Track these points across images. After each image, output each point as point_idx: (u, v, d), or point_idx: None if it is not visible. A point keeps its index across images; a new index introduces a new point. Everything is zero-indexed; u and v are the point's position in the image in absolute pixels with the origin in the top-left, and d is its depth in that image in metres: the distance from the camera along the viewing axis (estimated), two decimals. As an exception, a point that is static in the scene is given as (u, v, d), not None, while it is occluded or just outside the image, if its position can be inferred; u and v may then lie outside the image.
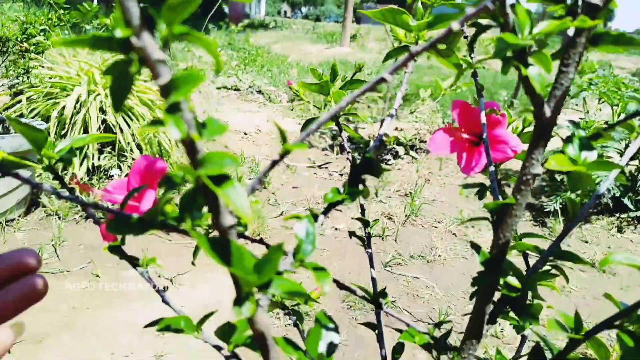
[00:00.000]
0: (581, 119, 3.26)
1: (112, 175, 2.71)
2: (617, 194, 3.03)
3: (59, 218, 2.36)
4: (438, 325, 0.65)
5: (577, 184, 0.51)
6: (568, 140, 0.51)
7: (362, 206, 0.80)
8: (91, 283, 1.86)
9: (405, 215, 2.81)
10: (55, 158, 0.50)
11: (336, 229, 2.61)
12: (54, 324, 1.61)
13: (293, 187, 3.15)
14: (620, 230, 2.94)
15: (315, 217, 0.51)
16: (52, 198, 2.48)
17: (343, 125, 0.73)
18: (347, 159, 0.68)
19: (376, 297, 0.65)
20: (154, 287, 0.58)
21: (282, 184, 3.18)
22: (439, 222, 2.78)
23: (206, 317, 0.55)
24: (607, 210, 3.10)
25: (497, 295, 0.57)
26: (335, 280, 0.64)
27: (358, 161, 0.52)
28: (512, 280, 0.53)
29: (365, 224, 0.78)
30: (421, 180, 3.40)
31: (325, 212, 0.52)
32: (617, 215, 3.04)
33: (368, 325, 0.76)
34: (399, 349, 0.71)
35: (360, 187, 0.51)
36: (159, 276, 1.98)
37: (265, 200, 2.87)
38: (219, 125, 0.34)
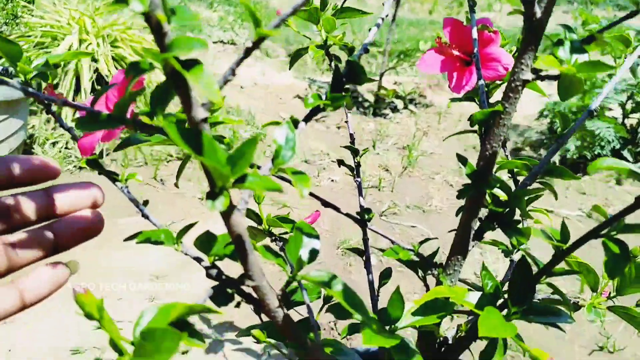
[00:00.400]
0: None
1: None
2: (617, 147, 3.01)
3: (53, 168, 2.34)
4: (423, 242, 0.64)
5: (568, 91, 0.49)
6: (559, 43, 0.49)
7: (351, 135, 0.78)
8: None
9: (403, 167, 2.79)
10: (32, 72, 0.48)
11: (332, 180, 2.60)
12: (48, 269, 1.61)
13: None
14: (618, 182, 2.93)
15: (295, 123, 0.49)
16: (45, 149, 2.46)
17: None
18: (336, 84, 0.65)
19: (362, 216, 0.63)
20: (133, 201, 0.56)
21: (272, 129, 3.15)
22: (436, 174, 2.77)
23: (186, 228, 0.54)
24: (605, 163, 3.07)
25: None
26: (321, 199, 0.63)
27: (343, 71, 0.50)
28: (499, 192, 0.51)
29: (355, 152, 0.76)
30: (419, 133, 3.37)
31: (307, 120, 0.50)
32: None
33: (355, 251, 0.76)
34: (386, 274, 0.71)
35: (343, 93, 0.49)
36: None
37: (261, 152, 2.85)
38: (189, 13, 0.32)
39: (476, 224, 0.56)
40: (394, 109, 3.92)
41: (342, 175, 2.64)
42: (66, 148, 2.49)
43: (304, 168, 2.70)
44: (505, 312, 0.53)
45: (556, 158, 2.95)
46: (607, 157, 0.47)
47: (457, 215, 0.57)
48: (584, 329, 1.56)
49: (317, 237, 0.50)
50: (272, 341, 0.70)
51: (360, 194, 0.74)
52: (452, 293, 0.54)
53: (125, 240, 0.52)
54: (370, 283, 0.72)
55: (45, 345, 1.30)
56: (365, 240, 0.77)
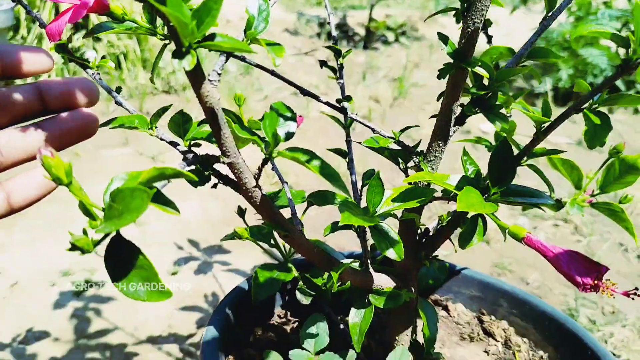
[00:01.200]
0: None
1: (88, 59, 2.60)
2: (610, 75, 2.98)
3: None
4: (403, 130, 0.63)
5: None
6: None
7: (333, 38, 0.76)
8: (71, 161, 1.84)
9: (393, 98, 2.76)
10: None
11: (321, 112, 2.58)
12: (36, 197, 1.60)
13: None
14: (610, 111, 2.92)
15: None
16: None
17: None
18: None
19: (341, 105, 0.62)
20: (106, 88, 0.54)
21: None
22: (427, 104, 2.74)
23: (162, 110, 0.52)
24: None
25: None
26: (299, 87, 0.61)
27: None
28: (481, 70, 0.50)
29: (338, 53, 0.74)
30: (410, 65, 3.31)
31: None
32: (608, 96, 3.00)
33: (338, 152, 0.75)
34: (369, 174, 0.70)
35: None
36: (140, 154, 1.96)
37: (249, 85, 2.80)
38: None
39: (458, 109, 0.55)
40: (385, 42, 3.85)
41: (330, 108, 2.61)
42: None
43: (293, 100, 2.66)
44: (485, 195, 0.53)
45: (548, 87, 2.93)
46: (590, 24, 0.45)
47: (438, 99, 0.56)
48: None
49: (293, 119, 0.49)
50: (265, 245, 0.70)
51: (342, 92, 0.73)
52: (432, 177, 0.53)
53: (101, 125, 0.50)
54: (354, 184, 0.72)
55: (35, 269, 1.31)
56: (348, 142, 0.76)
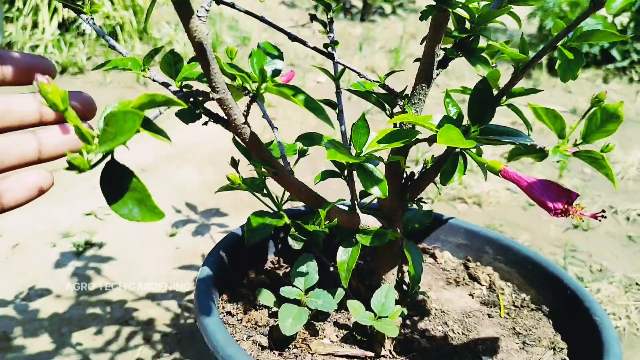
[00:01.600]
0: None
1: (84, 31, 2.61)
2: (606, 46, 2.98)
3: (34, 72, 2.31)
4: (389, 74, 0.65)
5: None
6: None
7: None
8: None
9: (390, 68, 2.77)
10: None
11: (318, 82, 2.59)
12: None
13: (274, 44, 3.07)
14: (605, 81, 2.93)
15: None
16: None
17: None
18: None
19: (328, 51, 0.64)
20: (99, 32, 0.56)
21: (262, 41, 3.09)
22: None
23: (154, 52, 0.54)
24: (594, 62, 3.06)
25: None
26: (286, 32, 0.63)
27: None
28: (461, 12, 0.52)
29: (327, 7, 0.75)
30: (407, 36, 3.31)
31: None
32: (604, 67, 3.01)
33: (327, 103, 0.77)
34: (362, 117, 0.72)
35: None
36: (139, 122, 1.97)
37: (245, 55, 2.80)
38: None
39: (440, 52, 0.57)
40: (382, 14, 3.83)
41: (325, 77, 2.62)
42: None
43: (289, 70, 2.66)
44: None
45: (543, 58, 2.93)
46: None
47: (422, 43, 0.58)
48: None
49: (280, 57, 0.51)
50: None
51: (331, 42, 0.74)
52: (416, 118, 0.56)
53: (95, 68, 0.52)
54: (343, 134, 0.74)
55: (36, 231, 1.34)
56: (337, 93, 0.78)
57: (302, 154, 0.73)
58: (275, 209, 0.75)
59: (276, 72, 0.49)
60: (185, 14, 0.41)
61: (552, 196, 0.46)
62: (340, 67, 0.75)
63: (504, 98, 0.56)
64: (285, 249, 0.80)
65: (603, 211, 0.46)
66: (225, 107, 0.48)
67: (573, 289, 0.68)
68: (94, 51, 2.57)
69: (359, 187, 0.60)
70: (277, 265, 0.78)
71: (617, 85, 2.90)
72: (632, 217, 1.60)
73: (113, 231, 1.36)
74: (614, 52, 2.95)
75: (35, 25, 2.57)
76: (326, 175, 0.69)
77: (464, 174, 0.55)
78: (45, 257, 1.25)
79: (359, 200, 0.63)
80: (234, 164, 0.77)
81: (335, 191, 1.54)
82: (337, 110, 0.78)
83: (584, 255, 1.41)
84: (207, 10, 0.46)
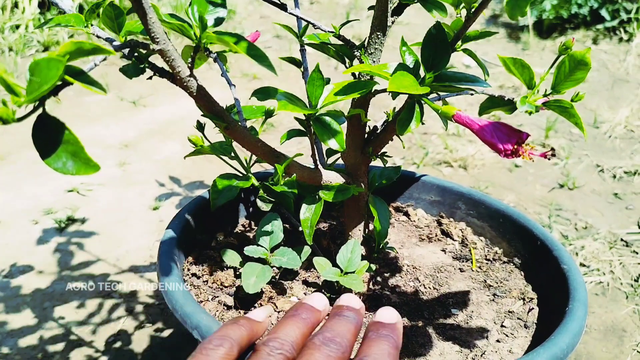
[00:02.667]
0: None
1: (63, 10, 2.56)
2: (595, 6, 2.94)
3: (15, 53, 2.28)
4: (344, 24, 0.63)
5: None
6: None
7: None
8: (52, 107, 1.84)
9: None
10: None
11: (274, 22, 2.56)
12: (16, 143, 1.61)
13: (260, 17, 3.03)
14: (595, 41, 2.89)
15: None
16: (5, 35, 2.38)
17: None
18: None
19: (280, 2, 0.62)
20: None
21: (248, 14, 3.05)
22: (410, 42, 2.71)
23: (96, 6, 0.52)
24: (583, 24, 3.02)
25: None
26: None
27: None
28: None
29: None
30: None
31: None
32: (593, 27, 2.97)
33: (291, 61, 0.75)
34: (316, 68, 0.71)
35: None
36: (121, 99, 1.96)
37: (231, 29, 2.76)
38: None
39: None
40: (370, -17, 3.77)
41: (313, 51, 2.59)
42: (27, 31, 2.40)
43: (275, 42, 2.64)
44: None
45: (532, 20, 2.89)
46: None
47: (370, 9, 0.56)
48: (547, 172, 1.61)
49: (223, 5, 0.49)
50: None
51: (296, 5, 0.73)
52: (371, 68, 0.54)
53: (38, 27, 0.51)
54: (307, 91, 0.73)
55: (18, 209, 1.33)
56: (302, 50, 0.76)
57: (269, 114, 0.72)
58: (244, 172, 0.74)
59: (219, 21, 0.47)
60: (114, -40, 0.40)
61: (502, 137, 0.45)
62: (303, 24, 0.73)
63: (459, 43, 0.55)
64: (257, 212, 0.79)
65: (552, 149, 0.45)
66: (167, 58, 0.46)
67: (542, 239, 0.68)
68: (76, 29, 2.53)
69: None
70: (247, 229, 0.77)
71: (607, 45, 2.86)
72: (619, 175, 1.59)
73: (96, 207, 1.35)
74: (604, 12, 2.91)
75: (16, 5, 2.54)
76: (292, 134, 0.68)
77: (422, 123, 0.54)
78: (28, 234, 1.24)
79: (317, 154, 0.62)
80: (200, 127, 0.76)
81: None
82: (302, 68, 0.76)
83: (569, 213, 1.40)
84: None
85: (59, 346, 0.94)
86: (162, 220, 1.31)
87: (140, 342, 0.96)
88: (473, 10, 0.51)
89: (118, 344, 0.96)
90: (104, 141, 1.68)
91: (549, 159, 0.44)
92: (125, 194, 1.42)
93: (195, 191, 1.44)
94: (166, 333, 0.98)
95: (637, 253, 1.25)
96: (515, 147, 0.45)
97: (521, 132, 0.46)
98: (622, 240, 1.30)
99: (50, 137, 0.40)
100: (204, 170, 1.52)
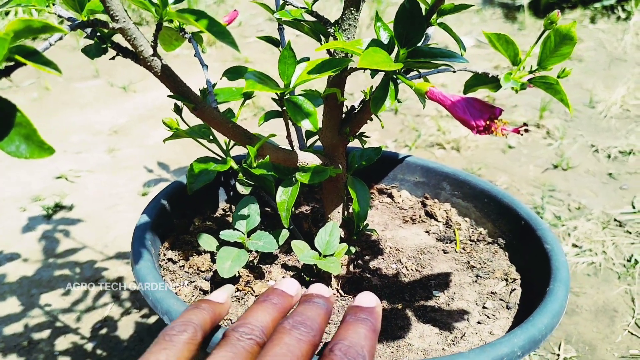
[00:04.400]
0: None
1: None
2: (593, -16, 2.90)
3: (5, 40, 2.25)
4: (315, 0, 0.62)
5: None
6: None
7: None
8: (41, 95, 1.82)
9: (370, 19, 2.70)
10: None
11: (297, 35, 2.54)
12: (5, 130, 1.60)
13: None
14: (592, 20, 2.86)
15: None
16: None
17: None
18: None
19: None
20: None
21: (241, -3, 3.02)
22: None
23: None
24: (581, 2, 2.98)
25: None
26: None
27: None
28: None
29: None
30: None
31: None
32: (591, 6, 2.94)
33: (269, 40, 0.73)
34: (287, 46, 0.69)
35: None
36: (112, 85, 1.94)
37: (224, 13, 2.73)
38: None
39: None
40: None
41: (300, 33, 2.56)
42: (16, 17, 2.37)
43: (267, 26, 2.60)
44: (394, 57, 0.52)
45: (526, 1, 2.86)
46: None
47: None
48: (540, 153, 1.59)
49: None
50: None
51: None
52: (344, 44, 0.53)
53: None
54: (288, 72, 0.71)
55: (5, 196, 1.32)
56: (280, 29, 0.74)
57: (247, 96, 0.70)
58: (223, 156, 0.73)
59: (180, -2, 0.46)
60: None
61: (474, 113, 0.44)
62: (281, 1, 0.71)
63: (435, 17, 0.53)
64: (238, 196, 0.78)
65: (525, 124, 0.44)
66: (128, 37, 0.45)
67: (527, 218, 0.67)
68: (37, 9, 2.50)
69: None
70: (228, 213, 0.76)
71: (605, 24, 2.83)
72: (613, 155, 1.57)
73: (84, 193, 1.34)
74: (602, -9, 2.87)
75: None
76: (270, 115, 0.66)
77: (397, 101, 0.52)
78: (15, 221, 1.23)
79: (297, 136, 0.60)
80: (177, 110, 0.75)
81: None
82: (280, 48, 0.75)
83: (562, 194, 1.39)
84: None
85: (45, 333, 0.94)
86: (151, 206, 1.29)
87: (126, 328, 0.96)
88: (447, -18, 0.49)
89: (104, 331, 0.95)
90: (94, 127, 1.66)
91: (521, 135, 0.43)
92: (115, 180, 1.40)
93: (184, 176, 1.42)
94: (152, 319, 0.98)
95: (630, 233, 1.24)
96: (488, 123, 0.43)
97: (494, 108, 0.44)
98: (615, 220, 1.28)
99: (2, 120, 0.38)
100: (194, 155, 1.50)
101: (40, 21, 0.37)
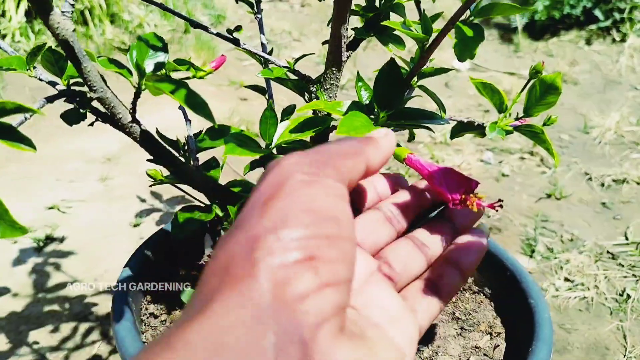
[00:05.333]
0: None
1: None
2: (589, 6, 2.92)
3: (2, 63, 2.26)
4: (299, 59, 0.62)
5: None
6: None
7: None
8: (36, 120, 1.83)
9: (367, 41, 2.71)
10: None
11: (293, 57, 2.55)
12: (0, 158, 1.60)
13: (251, 21, 3.01)
14: (588, 42, 2.87)
15: None
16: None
17: None
18: None
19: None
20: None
21: (239, 19, 3.03)
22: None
23: (37, 49, 0.51)
24: (576, 24, 3.00)
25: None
26: (187, 18, 0.59)
27: None
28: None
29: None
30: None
31: None
32: (587, 28, 2.95)
33: (255, 88, 0.74)
34: (289, 110, 0.69)
35: None
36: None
37: (222, 29, 2.74)
38: None
39: (349, 32, 0.54)
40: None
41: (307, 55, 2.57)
42: (13, 40, 2.39)
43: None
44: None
45: (523, 21, 2.87)
46: None
47: (328, 24, 0.55)
48: (534, 181, 1.59)
49: (164, 49, 0.48)
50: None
51: (260, 26, 0.72)
52: (325, 105, 0.53)
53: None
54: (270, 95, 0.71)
55: (-2, 228, 1.32)
56: (267, 79, 0.74)
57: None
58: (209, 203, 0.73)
59: (159, 66, 0.46)
60: (42, 8, 0.38)
61: (451, 185, 0.43)
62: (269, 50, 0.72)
63: (415, 79, 0.53)
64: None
65: (500, 200, 0.43)
66: (107, 105, 0.45)
67: (512, 269, 0.66)
68: (18, 72, 2.51)
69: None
70: (213, 259, 0.76)
71: (600, 46, 2.84)
72: (607, 183, 1.57)
73: (76, 224, 1.34)
74: (597, 12, 2.88)
75: (3, 14, 2.52)
76: (255, 165, 0.66)
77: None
78: (5, 254, 1.23)
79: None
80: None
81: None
82: (266, 96, 0.75)
83: (555, 225, 1.39)
84: (73, 5, 0.42)
85: (32, 374, 0.93)
86: (142, 238, 1.29)
87: (114, 368, 0.95)
88: (426, 47, 0.49)
89: (91, 371, 0.94)
90: (88, 154, 1.66)
91: (497, 210, 0.43)
92: (107, 210, 1.40)
93: (176, 207, 1.42)
94: None
95: (622, 266, 1.23)
96: (464, 196, 0.43)
97: (471, 180, 0.44)
98: (608, 252, 1.28)
99: (-27, 199, 0.38)
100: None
101: (13, 103, 0.37)
